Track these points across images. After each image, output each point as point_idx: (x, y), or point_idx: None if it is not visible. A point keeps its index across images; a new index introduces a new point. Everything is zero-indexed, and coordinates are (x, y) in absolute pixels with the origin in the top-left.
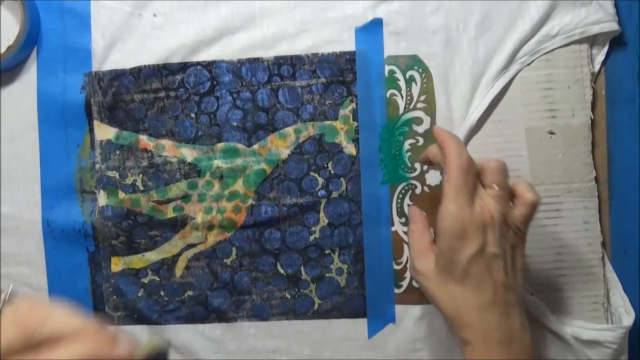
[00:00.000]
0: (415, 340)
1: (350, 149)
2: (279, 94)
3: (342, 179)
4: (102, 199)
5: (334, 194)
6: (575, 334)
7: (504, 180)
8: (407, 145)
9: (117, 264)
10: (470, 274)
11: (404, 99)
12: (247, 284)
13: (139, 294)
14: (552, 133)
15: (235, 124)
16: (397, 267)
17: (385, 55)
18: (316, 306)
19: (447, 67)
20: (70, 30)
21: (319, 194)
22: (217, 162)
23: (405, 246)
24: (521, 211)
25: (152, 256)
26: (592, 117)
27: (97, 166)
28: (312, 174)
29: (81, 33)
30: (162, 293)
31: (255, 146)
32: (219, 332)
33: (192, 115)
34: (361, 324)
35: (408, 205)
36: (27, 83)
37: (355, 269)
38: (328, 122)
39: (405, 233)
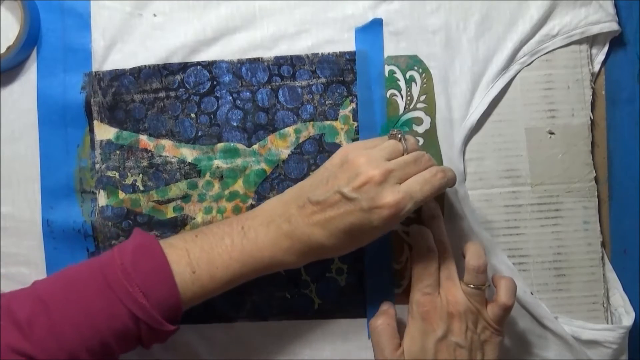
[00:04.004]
0: None
1: None
2: (279, 94)
3: None
4: (102, 199)
5: None
6: (575, 334)
7: (480, 281)
8: None
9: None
10: None
11: (404, 99)
12: (247, 283)
13: None
14: (552, 133)
15: (235, 124)
16: (397, 267)
17: (385, 55)
18: (316, 306)
19: (447, 67)
20: (70, 30)
21: None
22: (217, 162)
23: (406, 246)
24: (494, 310)
25: None
26: (592, 117)
27: (97, 166)
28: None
29: (81, 33)
30: None
31: (255, 146)
32: (219, 332)
33: (192, 115)
34: (361, 324)
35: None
36: (27, 83)
37: (355, 269)
38: (328, 122)
39: (405, 233)
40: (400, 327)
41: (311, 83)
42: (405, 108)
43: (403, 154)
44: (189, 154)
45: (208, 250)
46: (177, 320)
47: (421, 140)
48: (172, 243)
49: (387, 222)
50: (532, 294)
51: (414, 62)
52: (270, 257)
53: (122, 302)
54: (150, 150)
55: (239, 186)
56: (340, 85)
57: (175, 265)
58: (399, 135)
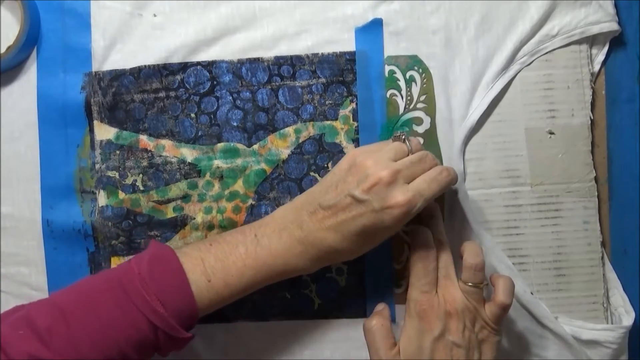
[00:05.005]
0: None
1: (350, 149)
2: (279, 94)
3: None
4: (102, 199)
5: None
6: (575, 333)
7: (478, 279)
8: None
9: (117, 265)
10: None
11: (404, 99)
12: None
13: None
14: (552, 133)
15: (235, 124)
16: (397, 267)
17: (385, 55)
18: (316, 306)
19: (447, 67)
20: (70, 30)
21: None
22: (217, 162)
23: (405, 246)
24: (492, 309)
25: None
26: (592, 117)
27: (97, 166)
28: (312, 174)
29: (81, 33)
30: None
31: (255, 146)
32: (219, 332)
33: (192, 115)
34: (361, 324)
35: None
36: (27, 83)
37: (355, 269)
38: (328, 122)
39: (405, 233)
40: (398, 329)
41: (311, 83)
42: (405, 108)
43: (408, 155)
44: (189, 154)
45: (222, 258)
46: (193, 327)
47: (421, 140)
48: (186, 252)
49: (399, 221)
50: (532, 293)
51: (414, 62)
52: (284, 264)
53: (140, 311)
54: (150, 150)
55: (239, 186)
56: (340, 85)
57: (191, 274)
58: (403, 137)
